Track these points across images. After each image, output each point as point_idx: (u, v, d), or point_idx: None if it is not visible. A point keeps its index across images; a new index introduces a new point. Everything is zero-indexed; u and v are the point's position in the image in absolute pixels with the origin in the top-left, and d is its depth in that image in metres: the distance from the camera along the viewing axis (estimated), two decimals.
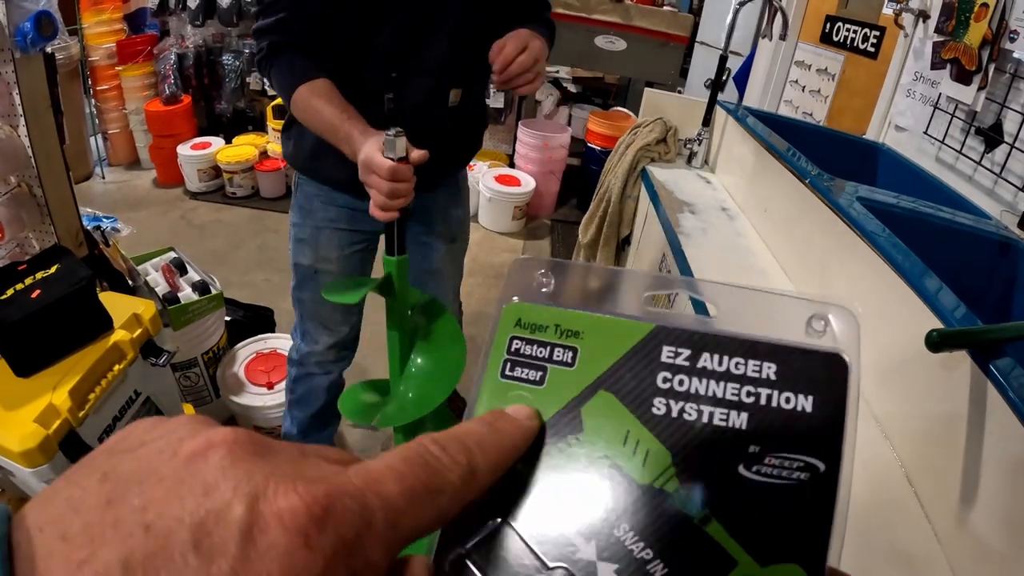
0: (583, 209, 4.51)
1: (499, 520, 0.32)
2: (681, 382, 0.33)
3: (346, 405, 1.40)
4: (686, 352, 0.33)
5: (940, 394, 0.95)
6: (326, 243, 1.64)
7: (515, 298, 0.37)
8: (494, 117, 4.65)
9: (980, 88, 1.57)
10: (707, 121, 1.98)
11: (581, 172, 4.54)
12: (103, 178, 4.25)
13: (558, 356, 0.35)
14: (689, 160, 2.01)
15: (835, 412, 0.31)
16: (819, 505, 0.29)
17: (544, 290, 0.37)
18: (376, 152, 1.16)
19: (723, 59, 2.00)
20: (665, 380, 0.33)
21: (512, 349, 0.36)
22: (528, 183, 4.14)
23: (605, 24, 4.35)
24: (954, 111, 1.69)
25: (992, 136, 1.55)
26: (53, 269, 1.57)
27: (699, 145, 1.98)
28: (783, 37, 2.11)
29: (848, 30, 2.69)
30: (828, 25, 2.83)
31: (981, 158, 1.58)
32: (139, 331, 1.63)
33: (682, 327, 0.34)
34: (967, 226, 1.33)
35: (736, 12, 1.89)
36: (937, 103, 1.77)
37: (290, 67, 1.36)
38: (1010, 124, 1.51)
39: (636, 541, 0.31)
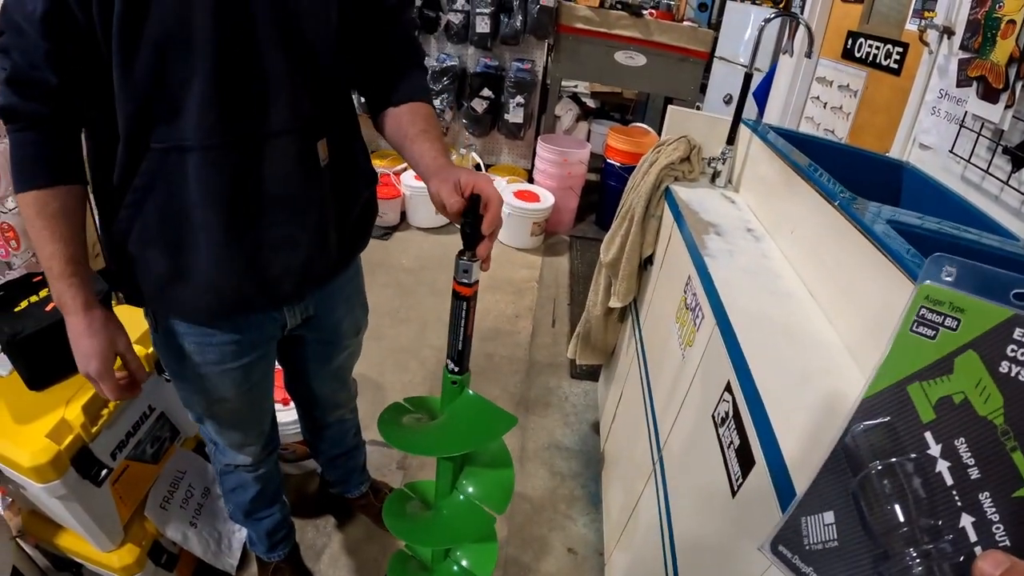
0: (602, 225, 4.55)
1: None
2: (1022, 354, 0.49)
3: (389, 511, 1.22)
4: None
5: None
6: (217, 387, 1.32)
7: (928, 281, 0.54)
8: (513, 132, 4.67)
9: (1007, 106, 1.55)
10: (731, 139, 1.97)
11: (600, 188, 4.54)
12: None
13: (947, 323, 0.52)
14: (713, 179, 2.01)
15: None
16: None
17: (947, 278, 0.53)
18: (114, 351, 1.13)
19: (748, 76, 1.99)
20: (1012, 351, 0.49)
21: (919, 314, 0.54)
22: (547, 199, 4.14)
23: (625, 39, 4.37)
24: (980, 129, 1.68)
25: (1020, 155, 1.53)
26: None
27: (723, 164, 1.97)
28: (808, 54, 2.10)
29: (871, 46, 2.68)
30: (850, 41, 2.82)
31: (1008, 178, 1.56)
32: None
33: None
34: (993, 248, 1.31)
35: (762, 28, 1.88)
36: (963, 121, 1.75)
37: (33, 153, 1.00)
38: None
39: (966, 451, 0.50)
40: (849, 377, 1.08)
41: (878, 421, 0.57)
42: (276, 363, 1.49)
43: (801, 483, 0.85)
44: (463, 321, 1.05)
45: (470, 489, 1.18)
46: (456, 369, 1.10)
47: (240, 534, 1.88)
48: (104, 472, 1.47)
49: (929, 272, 0.54)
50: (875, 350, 1.10)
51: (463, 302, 1.03)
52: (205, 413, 1.39)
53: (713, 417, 1.19)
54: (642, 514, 1.62)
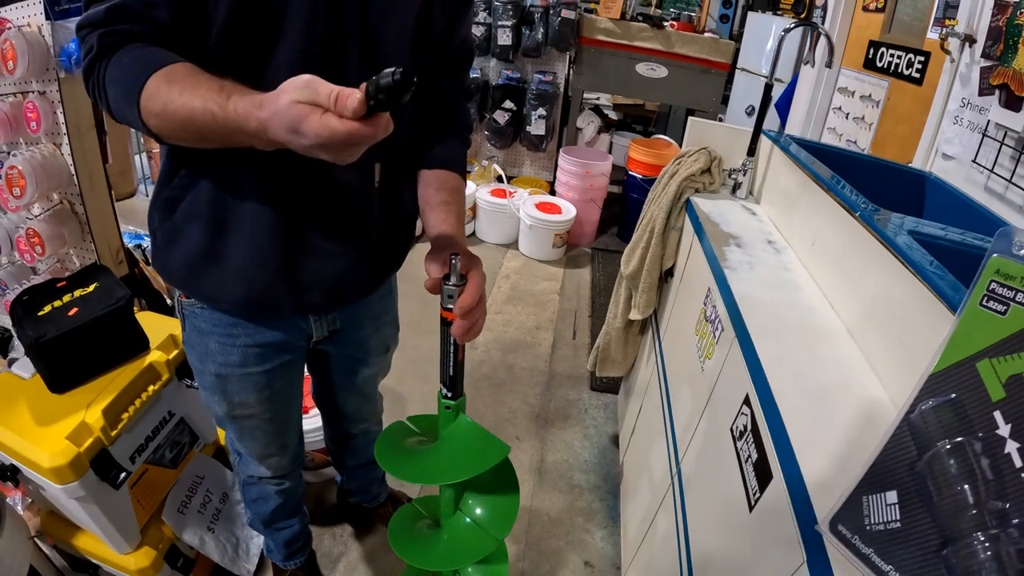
0: (623, 237, 4.54)
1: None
2: None
3: (395, 529, 1.23)
4: None
5: None
6: (237, 390, 1.31)
7: (997, 255, 0.51)
8: (535, 144, 4.68)
9: None
10: (752, 150, 1.96)
11: (622, 200, 4.53)
12: (147, 196, 4.33)
13: (1019, 298, 0.50)
14: (734, 191, 1.99)
15: None
16: None
17: (1019, 251, 0.51)
18: (300, 107, 0.74)
19: (768, 87, 1.98)
20: None
21: (989, 288, 0.51)
22: (569, 211, 4.15)
23: (646, 51, 4.37)
24: (1003, 139, 1.65)
25: None
26: (91, 287, 1.60)
27: (744, 175, 1.96)
28: (829, 64, 2.09)
29: (892, 55, 2.65)
30: (871, 50, 2.80)
31: None
32: (175, 352, 1.65)
33: None
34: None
35: (781, 39, 1.87)
36: (986, 130, 1.73)
37: (137, 57, 0.88)
38: None
39: None
40: (870, 391, 1.07)
41: (945, 398, 0.55)
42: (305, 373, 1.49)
43: (819, 497, 0.84)
44: (452, 347, 1.03)
45: (478, 511, 1.16)
46: (449, 395, 1.08)
47: (258, 540, 1.89)
48: (122, 475, 1.48)
49: (999, 245, 0.52)
50: (896, 363, 1.09)
51: (450, 327, 1.00)
52: (225, 415, 1.37)
53: (731, 430, 1.17)
54: (659, 528, 1.60)
